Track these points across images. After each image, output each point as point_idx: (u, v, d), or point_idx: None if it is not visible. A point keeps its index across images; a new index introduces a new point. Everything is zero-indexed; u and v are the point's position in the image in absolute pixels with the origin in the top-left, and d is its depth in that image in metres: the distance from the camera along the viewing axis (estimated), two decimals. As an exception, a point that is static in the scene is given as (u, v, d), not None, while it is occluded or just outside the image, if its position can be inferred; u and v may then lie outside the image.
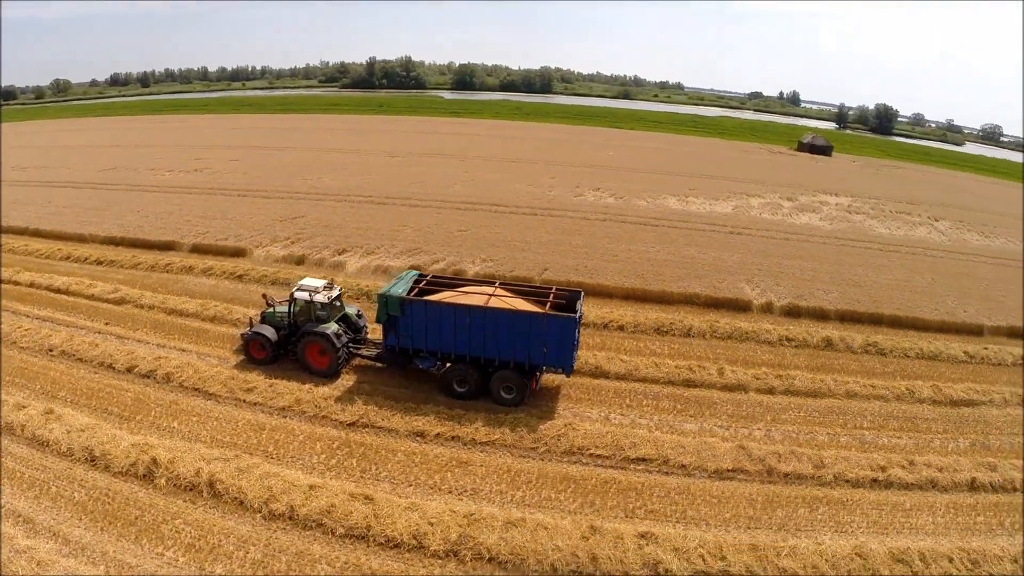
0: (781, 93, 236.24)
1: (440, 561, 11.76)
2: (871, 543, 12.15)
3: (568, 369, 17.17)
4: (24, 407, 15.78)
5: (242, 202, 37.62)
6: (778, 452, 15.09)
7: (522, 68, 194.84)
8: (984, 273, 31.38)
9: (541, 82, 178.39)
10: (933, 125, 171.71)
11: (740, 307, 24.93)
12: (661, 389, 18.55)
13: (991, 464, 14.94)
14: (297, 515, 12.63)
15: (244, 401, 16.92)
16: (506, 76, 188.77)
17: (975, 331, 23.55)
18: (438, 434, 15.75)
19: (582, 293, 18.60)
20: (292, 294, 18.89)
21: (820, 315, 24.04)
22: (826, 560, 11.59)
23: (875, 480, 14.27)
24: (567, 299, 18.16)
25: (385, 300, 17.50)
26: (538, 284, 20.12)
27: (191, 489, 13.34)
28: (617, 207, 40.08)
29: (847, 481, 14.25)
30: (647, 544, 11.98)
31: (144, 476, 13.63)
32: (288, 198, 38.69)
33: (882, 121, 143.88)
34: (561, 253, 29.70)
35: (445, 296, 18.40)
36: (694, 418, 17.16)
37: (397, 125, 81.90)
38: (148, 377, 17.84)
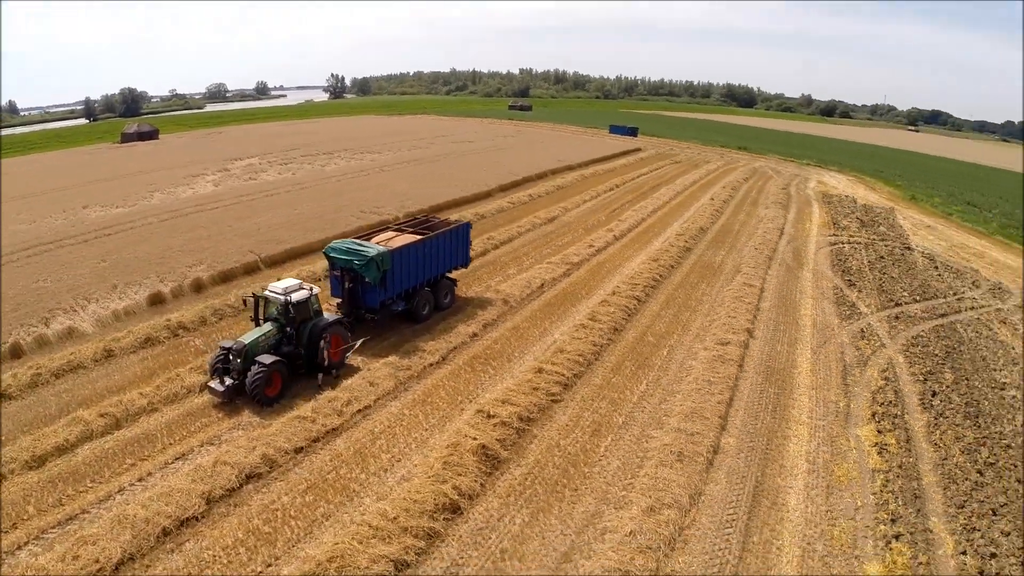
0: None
1: (615, 333, 20.01)
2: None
3: (468, 262, 23.57)
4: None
5: None
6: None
7: None
8: (443, 170, 49.37)
9: None
10: (158, 99, 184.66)
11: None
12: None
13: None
14: (568, 381, 16.92)
15: (368, 407, 15.20)
16: None
17: (490, 193, 41.37)
18: (478, 331, 20.08)
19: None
20: (288, 299, 15.26)
21: (443, 207, 35.97)
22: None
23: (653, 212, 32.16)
24: (433, 220, 23.54)
25: (380, 259, 18.27)
26: (402, 219, 23.66)
27: (510, 424, 14.36)
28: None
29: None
30: (609, 298, 23.31)
31: (487, 458, 13.07)
32: None
33: (129, 104, 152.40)
34: (258, 233, 28.79)
35: (393, 242, 20.13)
36: (523, 261, 27.55)
37: None
38: (251, 480, 11.87)
